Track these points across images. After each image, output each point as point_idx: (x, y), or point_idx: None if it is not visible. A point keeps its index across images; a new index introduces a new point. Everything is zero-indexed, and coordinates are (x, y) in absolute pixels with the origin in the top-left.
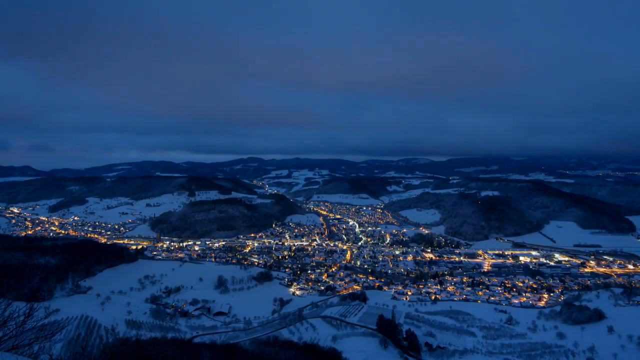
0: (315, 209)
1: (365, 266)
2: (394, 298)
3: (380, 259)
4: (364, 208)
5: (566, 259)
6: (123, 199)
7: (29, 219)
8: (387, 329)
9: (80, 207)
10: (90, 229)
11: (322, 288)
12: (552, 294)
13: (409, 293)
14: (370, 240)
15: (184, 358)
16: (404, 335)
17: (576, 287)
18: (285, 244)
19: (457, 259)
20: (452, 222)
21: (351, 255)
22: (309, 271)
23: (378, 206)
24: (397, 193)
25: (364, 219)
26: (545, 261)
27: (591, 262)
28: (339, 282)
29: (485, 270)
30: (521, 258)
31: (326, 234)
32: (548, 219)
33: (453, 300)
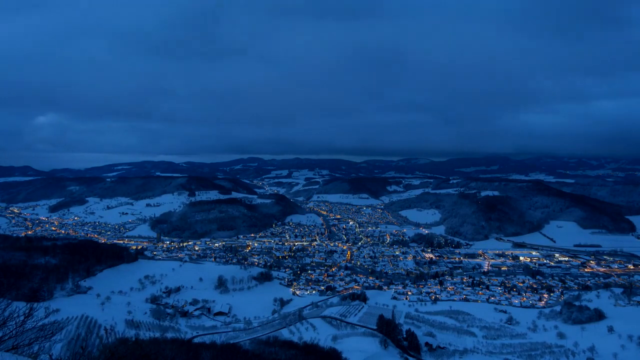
0: (315, 209)
1: (366, 266)
2: (394, 298)
3: (381, 259)
4: (364, 208)
5: (566, 259)
6: (123, 199)
7: (29, 219)
8: (387, 329)
9: (80, 207)
10: (90, 229)
11: (322, 288)
12: (552, 294)
13: (409, 293)
14: (370, 241)
15: (184, 358)
16: (404, 335)
17: (576, 287)
18: (286, 244)
19: (457, 259)
20: (452, 222)
21: (351, 255)
22: (309, 271)
23: (378, 206)
24: (397, 193)
25: (364, 219)
26: (545, 261)
27: (591, 262)
28: (339, 282)
29: (486, 270)
30: (521, 258)
31: (326, 234)
32: (548, 219)
33: (453, 300)
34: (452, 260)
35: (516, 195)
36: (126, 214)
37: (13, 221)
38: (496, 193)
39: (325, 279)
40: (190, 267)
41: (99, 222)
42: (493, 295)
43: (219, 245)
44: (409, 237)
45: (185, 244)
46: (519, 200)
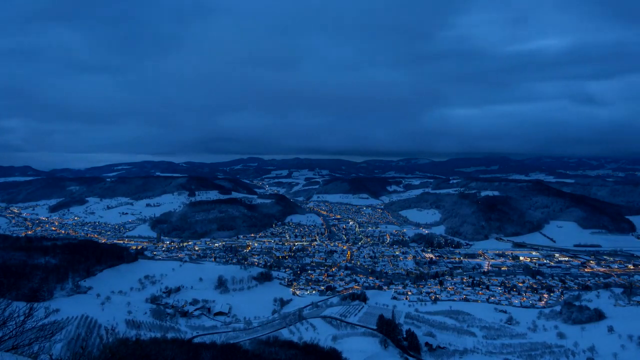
0: (315, 209)
1: (366, 266)
2: (394, 298)
3: (381, 259)
4: (364, 208)
5: (566, 259)
6: (123, 199)
7: (29, 219)
8: (387, 329)
9: (80, 207)
10: (90, 229)
11: (322, 288)
12: (552, 294)
13: (409, 293)
14: (370, 240)
15: (184, 358)
16: (404, 335)
17: (576, 287)
18: (286, 244)
19: (457, 259)
20: (452, 222)
21: (351, 255)
22: (309, 271)
23: (378, 206)
24: (397, 193)
25: (364, 219)
26: (545, 261)
27: (591, 262)
28: (339, 282)
29: (486, 270)
30: (521, 258)
31: (326, 234)
32: (548, 219)
33: (453, 300)
34: (452, 260)
35: (516, 195)
36: (126, 214)
37: (13, 221)
38: (496, 193)
39: (325, 279)
40: (190, 267)
41: (99, 222)
42: (493, 295)
43: (219, 245)
44: (409, 237)
45: (185, 244)
46: (519, 200)
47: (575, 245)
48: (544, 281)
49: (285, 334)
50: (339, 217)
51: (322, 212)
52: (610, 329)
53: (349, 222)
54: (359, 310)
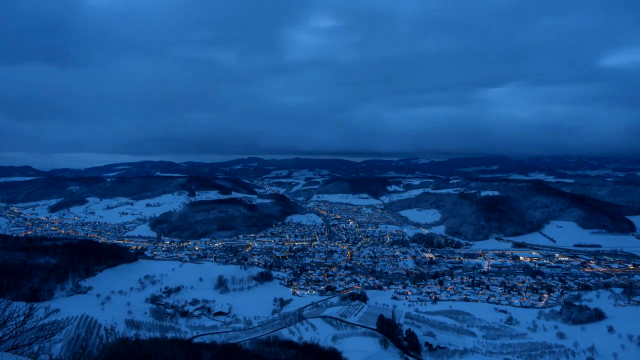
0: (315, 209)
1: (366, 266)
2: (394, 298)
3: (381, 259)
4: (364, 208)
5: (566, 259)
6: (123, 199)
7: (29, 219)
8: (387, 329)
9: (80, 207)
10: (90, 229)
11: (322, 288)
12: (552, 294)
13: (409, 293)
14: (370, 240)
15: (184, 358)
16: (404, 335)
17: (576, 287)
18: (286, 244)
19: (457, 259)
20: (452, 222)
21: (351, 255)
22: (309, 271)
23: (378, 206)
24: (397, 193)
25: (364, 219)
26: (545, 261)
27: (591, 262)
28: (339, 282)
29: (486, 270)
30: (521, 258)
31: (326, 234)
32: (548, 219)
33: (453, 300)
34: (452, 260)
35: (516, 195)
36: (126, 214)
37: (13, 221)
38: (496, 193)
39: (325, 279)
40: (190, 267)
41: (99, 222)
42: (493, 295)
43: (219, 245)
44: (409, 237)
45: (185, 244)
46: (519, 200)
47: (575, 245)
48: (544, 281)
49: (285, 334)
50: (339, 217)
51: (322, 212)
52: (610, 329)
53: (349, 222)
54: (359, 310)
